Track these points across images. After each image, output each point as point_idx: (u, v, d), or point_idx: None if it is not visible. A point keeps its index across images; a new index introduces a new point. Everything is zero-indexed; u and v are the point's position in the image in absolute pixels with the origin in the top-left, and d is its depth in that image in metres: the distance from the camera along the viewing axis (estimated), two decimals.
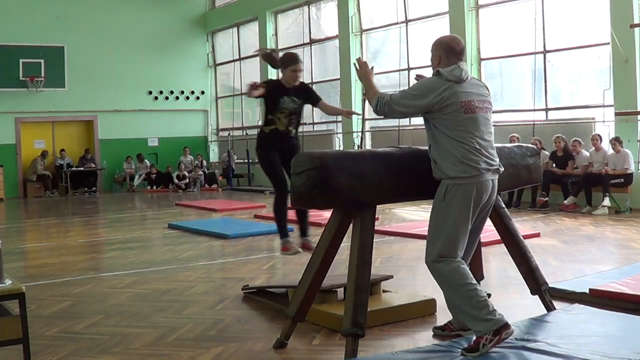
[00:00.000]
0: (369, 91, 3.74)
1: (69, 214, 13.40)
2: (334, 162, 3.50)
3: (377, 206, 3.74)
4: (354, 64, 3.89)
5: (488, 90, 3.78)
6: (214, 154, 20.64)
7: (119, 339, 4.18)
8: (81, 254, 8.05)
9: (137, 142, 19.19)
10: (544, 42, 11.81)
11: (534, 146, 4.64)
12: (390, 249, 7.30)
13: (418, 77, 3.87)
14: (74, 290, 5.73)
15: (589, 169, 10.38)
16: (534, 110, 12.04)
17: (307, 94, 5.86)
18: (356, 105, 15.25)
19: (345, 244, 3.83)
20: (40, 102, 17.70)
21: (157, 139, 19.67)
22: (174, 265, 6.79)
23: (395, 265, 6.24)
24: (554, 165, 10.84)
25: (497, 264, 6.16)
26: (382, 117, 3.75)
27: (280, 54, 5.99)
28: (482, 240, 4.31)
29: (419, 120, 14.68)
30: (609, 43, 10.58)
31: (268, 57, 6.04)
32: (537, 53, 11.89)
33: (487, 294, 3.64)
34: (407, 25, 14.32)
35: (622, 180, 9.96)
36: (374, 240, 3.68)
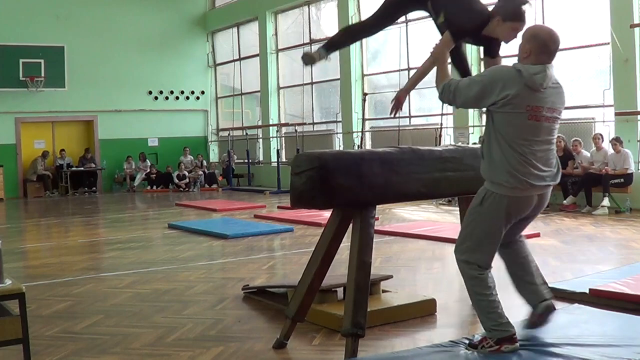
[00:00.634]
0: (439, 74, 3.50)
1: (69, 214, 13.39)
2: (333, 162, 3.50)
3: (377, 206, 3.73)
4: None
5: (564, 97, 3.49)
6: (214, 154, 20.63)
7: (119, 339, 4.18)
8: (81, 254, 8.04)
9: (137, 142, 19.17)
10: None
11: None
12: (390, 249, 7.30)
13: None
14: (74, 290, 5.73)
15: (589, 169, 10.38)
16: None
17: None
18: (356, 105, 15.26)
19: (345, 244, 3.82)
20: (40, 102, 17.70)
21: (157, 139, 19.66)
22: (174, 265, 6.78)
23: (395, 265, 6.22)
24: None
25: (497, 263, 6.13)
26: (447, 104, 3.50)
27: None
28: None
29: (419, 120, 14.80)
30: (609, 43, 10.58)
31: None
32: None
33: None
34: (407, 26, 14.31)
35: (622, 180, 9.97)
36: (374, 240, 3.67)
